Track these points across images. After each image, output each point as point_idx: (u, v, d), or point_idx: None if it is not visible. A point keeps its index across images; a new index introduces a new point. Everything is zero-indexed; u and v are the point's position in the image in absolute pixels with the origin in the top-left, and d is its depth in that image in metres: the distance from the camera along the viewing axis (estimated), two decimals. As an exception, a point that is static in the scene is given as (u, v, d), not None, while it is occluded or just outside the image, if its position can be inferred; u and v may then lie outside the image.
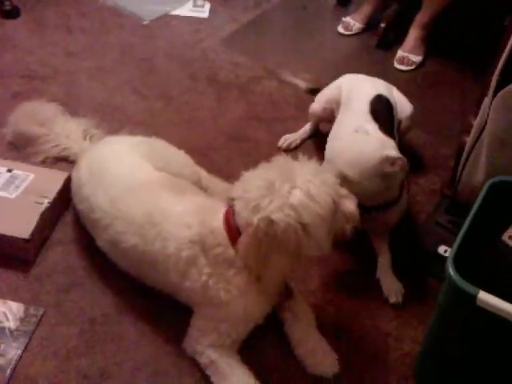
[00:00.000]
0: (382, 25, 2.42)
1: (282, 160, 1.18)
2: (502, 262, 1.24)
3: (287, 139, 1.91)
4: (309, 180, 1.12)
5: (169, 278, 1.26)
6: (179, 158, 1.53)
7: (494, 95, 1.26)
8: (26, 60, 2.16)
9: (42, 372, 1.25)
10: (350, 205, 1.20)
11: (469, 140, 1.42)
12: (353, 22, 2.52)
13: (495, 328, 1.07)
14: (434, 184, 1.80)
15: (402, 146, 1.51)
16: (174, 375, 1.28)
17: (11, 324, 1.32)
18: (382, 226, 1.53)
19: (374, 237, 1.56)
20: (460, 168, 1.46)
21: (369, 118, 1.54)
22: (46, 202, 1.49)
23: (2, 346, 1.27)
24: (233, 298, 1.20)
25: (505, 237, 1.25)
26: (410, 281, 1.50)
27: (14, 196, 1.50)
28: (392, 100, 1.66)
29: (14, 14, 2.36)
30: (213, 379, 1.24)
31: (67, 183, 1.56)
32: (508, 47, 1.24)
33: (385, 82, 1.74)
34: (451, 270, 1.06)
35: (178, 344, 1.31)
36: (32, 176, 1.56)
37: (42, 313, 1.35)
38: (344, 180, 1.28)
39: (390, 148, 1.36)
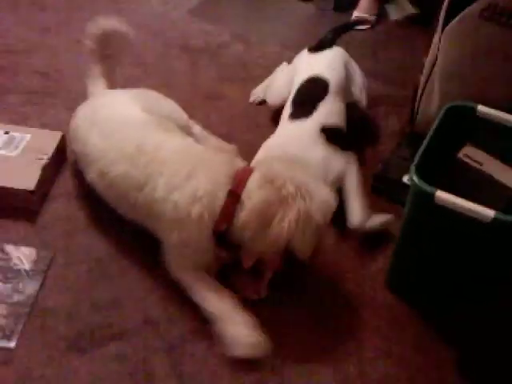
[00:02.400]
0: (338, -12, 2.59)
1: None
2: (459, 176, 1.41)
3: (254, 93, 2.05)
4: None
5: (154, 205, 1.35)
6: (168, 104, 1.67)
7: (442, 31, 1.44)
8: (3, 36, 2.25)
9: (58, 304, 1.39)
10: None
11: (422, 76, 1.60)
12: (311, -13, 2.69)
13: (454, 225, 1.25)
14: (395, 125, 1.98)
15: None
16: (179, 300, 1.42)
17: (26, 266, 1.44)
18: None
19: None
20: (416, 103, 1.65)
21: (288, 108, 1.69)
22: (45, 158, 1.61)
23: (21, 284, 1.40)
24: None
25: (460, 155, 1.42)
26: (379, 209, 1.68)
27: (14, 154, 1.61)
28: (335, 74, 1.74)
29: (-14, -6, 2.44)
30: (194, 299, 1.36)
31: (63, 141, 1.70)
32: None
33: (336, 54, 1.82)
34: (413, 174, 1.24)
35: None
36: (29, 136, 1.67)
37: (52, 255, 1.48)
38: None
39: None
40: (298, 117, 1.64)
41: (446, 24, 1.44)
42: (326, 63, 1.78)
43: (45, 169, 1.60)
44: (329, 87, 1.70)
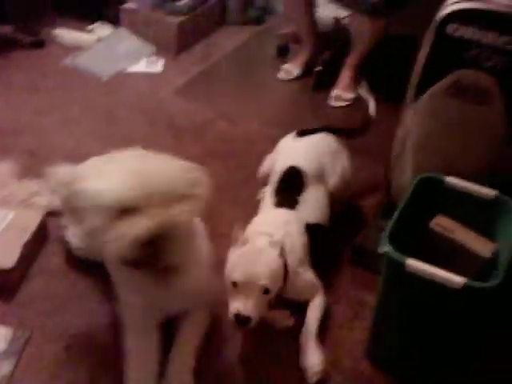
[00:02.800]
0: (317, 69, 2.71)
1: None
2: (432, 245, 1.44)
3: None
4: None
5: None
6: None
7: (413, 106, 1.51)
8: (-5, 118, 2.34)
9: (33, 385, 1.38)
10: None
11: (394, 150, 1.67)
12: (291, 68, 2.81)
13: (426, 293, 1.27)
14: (374, 198, 2.02)
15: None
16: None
17: (1, 346, 1.43)
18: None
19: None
20: (389, 175, 1.70)
21: (270, 198, 1.67)
22: (27, 235, 1.64)
23: (-6, 365, 1.39)
24: None
25: (432, 224, 1.46)
26: (358, 280, 1.70)
27: (-2, 232, 1.64)
28: (313, 165, 1.71)
29: (-20, 79, 2.55)
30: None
31: (44, 220, 1.73)
32: (420, 62, 1.51)
33: (320, 145, 1.80)
34: (385, 243, 1.27)
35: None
36: (11, 215, 1.71)
37: (28, 335, 1.47)
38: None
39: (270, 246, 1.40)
40: (283, 206, 1.63)
41: (415, 100, 1.52)
42: (303, 152, 1.76)
43: (25, 247, 1.62)
44: (305, 179, 1.68)
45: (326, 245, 1.70)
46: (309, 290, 1.57)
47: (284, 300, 1.51)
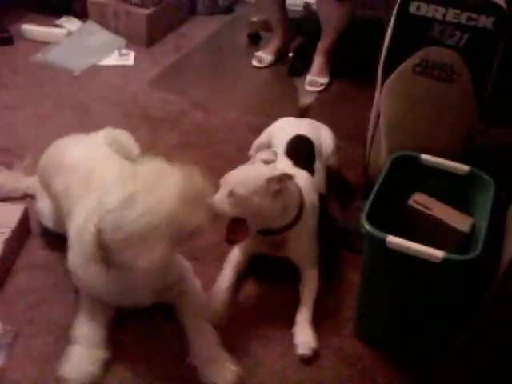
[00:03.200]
0: (290, 54, 2.74)
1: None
2: (411, 222, 1.48)
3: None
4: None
5: None
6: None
7: (382, 87, 1.55)
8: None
9: (25, 376, 1.38)
10: None
11: (369, 130, 1.70)
12: (264, 55, 2.82)
13: (407, 268, 1.31)
14: (351, 178, 2.06)
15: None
16: (144, 366, 1.43)
17: (-10, 340, 1.43)
18: (294, 256, 1.62)
19: (300, 284, 1.61)
20: (366, 156, 1.74)
21: (284, 158, 1.72)
22: (8, 232, 1.63)
23: (-15, 359, 1.39)
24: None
25: (411, 201, 1.49)
26: (342, 261, 1.73)
27: (-24, 229, 1.62)
28: (314, 138, 1.82)
29: None
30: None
31: (25, 214, 1.72)
32: (386, 43, 1.54)
33: (311, 122, 1.92)
34: (365, 222, 1.30)
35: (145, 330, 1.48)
36: (-9, 210, 1.69)
37: (16, 328, 1.47)
38: (236, 198, 1.44)
39: (278, 171, 1.50)
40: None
41: (383, 80, 1.55)
42: (305, 125, 1.87)
43: (7, 242, 1.61)
44: (315, 148, 1.79)
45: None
46: (306, 257, 1.61)
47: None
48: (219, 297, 1.54)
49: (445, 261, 1.24)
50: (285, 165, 1.66)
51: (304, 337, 1.48)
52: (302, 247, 1.61)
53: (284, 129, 1.88)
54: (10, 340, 1.44)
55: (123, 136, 1.75)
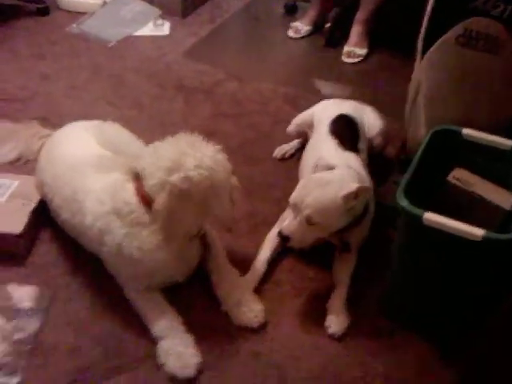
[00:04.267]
0: (327, 25, 2.67)
1: (185, 135, 1.42)
2: (450, 199, 1.44)
3: (282, 149, 2.03)
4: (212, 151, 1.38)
5: (93, 245, 1.48)
6: (125, 138, 1.71)
7: (421, 59, 1.50)
8: (3, 86, 2.32)
9: (60, 340, 1.41)
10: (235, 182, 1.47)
11: (407, 104, 1.65)
12: (301, 26, 2.77)
13: (444, 247, 1.26)
14: (391, 153, 2.00)
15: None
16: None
17: (28, 304, 1.46)
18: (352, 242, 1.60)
19: (337, 263, 1.60)
20: (406, 129, 1.69)
21: (329, 137, 1.70)
22: (32, 203, 1.65)
23: (21, 323, 1.42)
24: (144, 255, 1.37)
25: (450, 178, 1.45)
26: (378, 236, 1.69)
27: (3, 200, 1.65)
28: (358, 118, 1.80)
29: (-14, 46, 2.53)
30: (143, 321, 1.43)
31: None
32: (427, 14, 1.48)
33: (355, 104, 1.89)
34: (401, 197, 1.27)
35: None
36: (16, 183, 1.71)
37: (52, 293, 1.50)
38: (314, 226, 1.40)
39: (347, 183, 1.42)
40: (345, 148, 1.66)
41: (424, 52, 1.49)
42: (349, 105, 1.85)
43: (32, 213, 1.62)
44: (359, 127, 1.77)
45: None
46: (361, 241, 1.61)
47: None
48: (257, 265, 1.56)
49: (485, 239, 1.19)
50: (331, 146, 1.65)
51: (336, 316, 1.46)
52: (362, 234, 1.59)
53: (328, 109, 1.85)
54: (46, 304, 1.47)
55: (112, 129, 1.72)
